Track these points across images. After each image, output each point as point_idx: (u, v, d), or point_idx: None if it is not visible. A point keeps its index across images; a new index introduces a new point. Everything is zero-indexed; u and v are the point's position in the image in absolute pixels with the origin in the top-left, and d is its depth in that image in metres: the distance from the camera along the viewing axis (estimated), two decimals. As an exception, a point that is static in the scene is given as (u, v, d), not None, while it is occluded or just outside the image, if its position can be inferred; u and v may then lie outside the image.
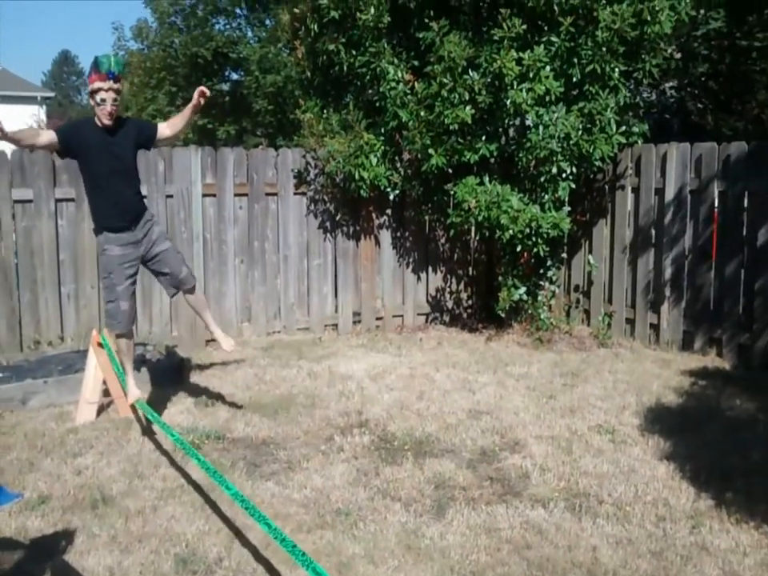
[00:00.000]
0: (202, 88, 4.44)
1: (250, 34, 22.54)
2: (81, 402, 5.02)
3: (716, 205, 6.58)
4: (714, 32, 11.19)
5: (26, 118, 23.84)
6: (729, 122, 12.14)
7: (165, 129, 4.70)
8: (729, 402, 5.32)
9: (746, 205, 6.37)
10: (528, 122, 6.72)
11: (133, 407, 4.84)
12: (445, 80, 6.48)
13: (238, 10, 22.47)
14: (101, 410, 5.13)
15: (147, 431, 4.81)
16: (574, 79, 6.63)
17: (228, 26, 22.52)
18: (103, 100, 4.24)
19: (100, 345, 4.96)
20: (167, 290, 4.86)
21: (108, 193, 4.40)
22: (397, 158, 7.27)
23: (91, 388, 5.00)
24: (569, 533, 3.52)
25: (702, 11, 10.80)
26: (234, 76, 23.41)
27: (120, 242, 4.45)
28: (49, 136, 4.30)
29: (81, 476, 4.17)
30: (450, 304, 7.95)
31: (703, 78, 12.35)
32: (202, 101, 4.42)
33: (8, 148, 7.04)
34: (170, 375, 5.77)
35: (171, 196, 6.78)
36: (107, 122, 4.32)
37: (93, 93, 4.27)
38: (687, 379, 5.85)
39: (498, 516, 3.69)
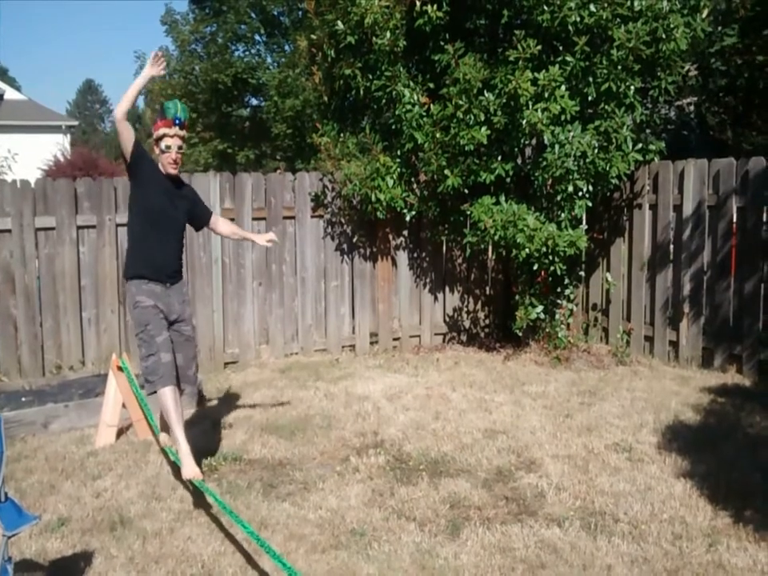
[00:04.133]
0: None
1: (269, 59, 22.89)
2: (100, 426, 5.09)
3: (735, 220, 6.55)
4: (730, 47, 11.19)
5: (50, 147, 24.22)
6: (749, 137, 12.11)
7: (220, 225, 4.56)
8: (748, 419, 5.27)
9: (765, 220, 6.34)
10: (544, 141, 6.74)
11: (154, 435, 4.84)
12: (460, 102, 6.54)
13: (257, 37, 22.85)
14: (120, 432, 5.19)
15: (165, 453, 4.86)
16: (590, 98, 6.65)
17: (247, 53, 22.91)
18: (168, 147, 4.10)
19: (119, 369, 5.03)
20: None
21: (153, 237, 4.18)
22: (413, 179, 7.33)
23: (111, 411, 5.07)
24: (584, 552, 3.51)
25: (718, 27, 10.83)
26: (254, 101, 23.79)
27: (152, 294, 4.17)
28: (131, 132, 4.09)
29: (100, 498, 4.22)
30: (467, 323, 7.96)
31: (721, 94, 12.33)
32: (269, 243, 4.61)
33: (32, 177, 7.22)
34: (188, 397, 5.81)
35: (190, 220, 6.87)
36: (171, 170, 4.17)
37: (157, 140, 4.12)
38: (706, 396, 5.80)
39: (513, 535, 3.68)
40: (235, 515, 3.50)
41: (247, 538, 3.67)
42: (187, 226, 4.51)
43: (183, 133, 4.16)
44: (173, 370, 4.18)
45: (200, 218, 4.50)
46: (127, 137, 4.08)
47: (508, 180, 7.08)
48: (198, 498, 4.16)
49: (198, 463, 4.46)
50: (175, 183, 4.28)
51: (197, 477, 3.97)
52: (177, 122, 4.10)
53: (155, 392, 4.17)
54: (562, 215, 6.85)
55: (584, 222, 7.22)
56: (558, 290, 7.31)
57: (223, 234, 4.67)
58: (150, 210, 4.18)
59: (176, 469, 4.60)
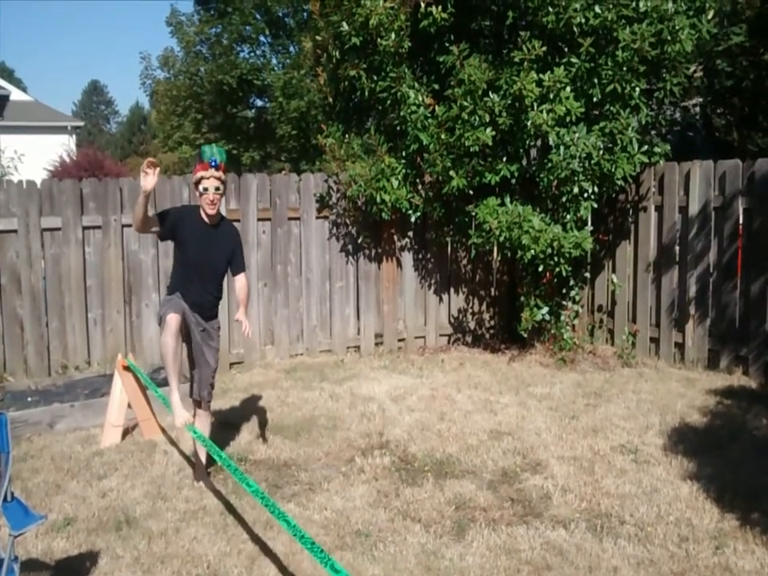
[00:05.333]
0: None
1: (274, 60, 22.87)
2: (106, 426, 5.10)
3: (741, 222, 6.53)
4: (736, 47, 11.16)
5: (56, 147, 24.27)
6: (755, 139, 12.07)
7: (237, 283, 4.39)
8: (755, 422, 5.25)
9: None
10: (549, 143, 6.73)
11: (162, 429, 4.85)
12: (465, 103, 6.53)
13: (262, 38, 22.83)
14: (126, 433, 5.19)
15: (170, 453, 4.87)
16: (595, 99, 6.64)
17: (252, 54, 22.88)
18: (206, 189, 4.15)
19: (125, 369, 5.04)
20: None
21: (192, 285, 4.25)
22: (418, 180, 7.32)
23: (116, 412, 5.08)
24: (590, 554, 3.50)
25: (723, 29, 10.80)
26: (259, 102, 23.76)
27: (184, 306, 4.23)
28: (154, 218, 4.20)
29: (105, 498, 4.23)
30: (472, 325, 7.95)
31: (727, 95, 12.30)
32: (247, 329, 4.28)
33: (38, 177, 7.24)
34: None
35: (195, 221, 6.87)
36: (210, 211, 4.21)
37: (196, 183, 4.20)
38: (712, 398, 5.78)
39: (519, 537, 3.68)
40: (243, 475, 3.37)
41: (253, 538, 3.69)
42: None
43: (220, 174, 4.20)
44: (181, 306, 4.16)
45: (232, 268, 4.42)
46: (152, 228, 4.21)
47: (513, 181, 7.07)
48: (204, 496, 4.18)
49: (205, 464, 4.47)
50: (214, 226, 4.30)
51: (188, 421, 4.07)
52: (213, 163, 4.15)
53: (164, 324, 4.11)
54: (568, 216, 6.84)
55: (589, 223, 7.21)
56: (564, 291, 7.30)
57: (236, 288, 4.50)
58: (188, 266, 4.27)
59: (180, 466, 4.61)
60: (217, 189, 4.18)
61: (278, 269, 7.28)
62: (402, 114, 6.89)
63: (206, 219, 4.26)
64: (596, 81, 6.59)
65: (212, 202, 4.20)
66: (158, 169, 3.91)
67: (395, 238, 7.64)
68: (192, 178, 4.28)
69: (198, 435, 4.02)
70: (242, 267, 4.45)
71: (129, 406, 5.12)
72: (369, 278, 7.60)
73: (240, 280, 4.40)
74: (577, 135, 6.48)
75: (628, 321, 7.40)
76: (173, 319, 4.05)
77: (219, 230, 4.33)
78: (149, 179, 3.89)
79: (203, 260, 4.26)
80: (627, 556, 3.48)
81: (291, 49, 22.86)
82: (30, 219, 6.42)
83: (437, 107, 6.81)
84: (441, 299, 7.87)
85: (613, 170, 6.63)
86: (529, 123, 6.44)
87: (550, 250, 6.58)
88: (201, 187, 4.18)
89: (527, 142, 6.82)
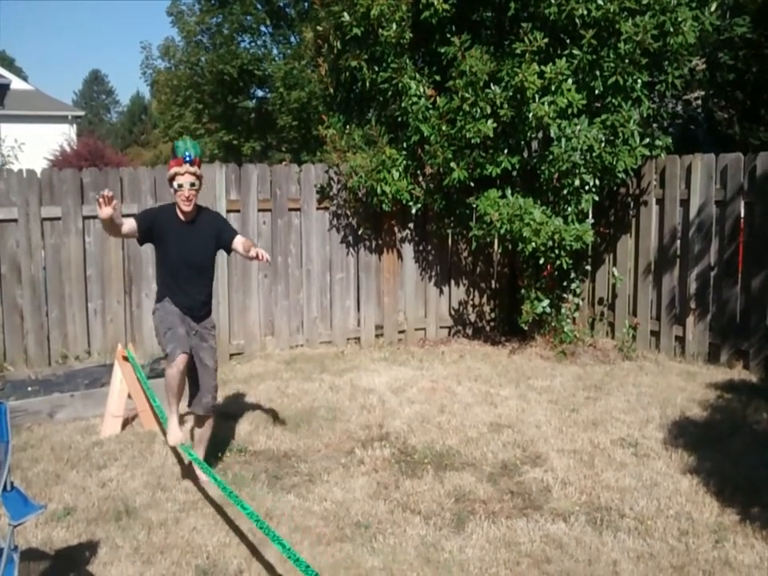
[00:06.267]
0: None
1: (275, 51, 22.83)
2: (106, 416, 5.10)
3: (742, 216, 6.52)
4: (739, 39, 11.11)
5: (56, 137, 24.21)
6: (757, 132, 12.04)
7: (238, 245, 4.17)
8: (755, 416, 5.25)
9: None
10: (551, 135, 6.72)
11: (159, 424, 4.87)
12: (466, 94, 6.51)
13: (263, 28, 22.79)
14: (126, 423, 5.19)
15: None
16: (597, 91, 6.63)
17: (253, 44, 22.86)
18: (180, 185, 4.02)
19: (125, 359, 5.04)
20: None
21: (178, 288, 4.15)
22: (419, 172, 7.30)
23: (116, 402, 5.08)
24: (589, 547, 3.50)
25: (727, 17, 10.76)
26: (260, 93, 23.74)
27: (179, 312, 4.17)
28: (129, 224, 4.07)
29: (105, 488, 4.23)
30: (472, 317, 7.94)
31: (729, 88, 12.26)
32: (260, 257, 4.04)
33: (38, 167, 7.21)
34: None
35: (196, 212, 6.86)
36: (186, 207, 4.08)
37: (171, 179, 4.06)
38: (713, 392, 5.78)
39: (518, 530, 3.68)
40: (237, 498, 3.41)
41: (252, 528, 3.69)
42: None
43: (195, 169, 4.07)
44: (187, 340, 4.08)
45: (225, 246, 4.28)
46: (131, 233, 4.11)
47: (514, 173, 7.06)
48: (202, 489, 4.18)
49: (205, 454, 4.47)
50: (192, 222, 4.17)
51: (181, 441, 4.11)
52: (187, 158, 4.03)
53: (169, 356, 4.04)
54: (569, 209, 6.83)
55: (590, 216, 7.19)
56: (564, 284, 7.30)
57: (238, 252, 4.29)
58: (170, 268, 4.16)
59: (179, 457, 4.61)
60: (192, 185, 4.05)
61: (278, 260, 7.26)
62: (403, 105, 6.86)
63: (182, 217, 4.13)
64: (598, 73, 6.58)
65: (187, 199, 4.06)
66: (114, 201, 3.77)
67: (396, 229, 7.62)
68: (167, 175, 4.13)
69: (194, 457, 4.01)
70: (234, 233, 4.28)
71: (129, 396, 5.12)
72: (369, 270, 7.59)
73: (237, 240, 4.21)
74: (578, 127, 6.46)
75: (629, 314, 7.39)
76: (182, 359, 3.96)
77: (197, 225, 4.17)
78: (103, 210, 3.75)
79: (185, 260, 4.12)
80: (627, 549, 3.48)
81: (292, 39, 22.84)
82: (30, 208, 6.41)
83: (438, 98, 6.79)
84: (441, 291, 7.86)
85: (614, 162, 6.62)
86: (530, 115, 6.42)
87: (550, 243, 6.57)
88: (175, 184, 4.04)
89: (528, 134, 6.80)
